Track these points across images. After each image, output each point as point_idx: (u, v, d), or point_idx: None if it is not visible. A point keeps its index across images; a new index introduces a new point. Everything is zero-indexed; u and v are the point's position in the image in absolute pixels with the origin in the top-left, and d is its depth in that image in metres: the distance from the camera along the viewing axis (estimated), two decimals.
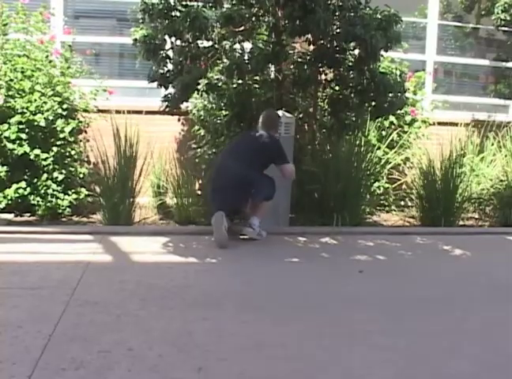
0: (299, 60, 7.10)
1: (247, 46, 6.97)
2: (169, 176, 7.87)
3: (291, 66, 7.17)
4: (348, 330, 4.11)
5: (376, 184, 8.22)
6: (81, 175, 7.62)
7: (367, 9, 6.90)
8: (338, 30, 6.85)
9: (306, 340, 3.89)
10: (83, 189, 7.50)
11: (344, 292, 4.92)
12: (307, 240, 6.62)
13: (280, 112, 6.77)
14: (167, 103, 7.34)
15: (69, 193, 7.38)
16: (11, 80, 7.29)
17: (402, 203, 8.69)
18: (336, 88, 7.33)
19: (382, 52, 6.91)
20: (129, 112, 7.90)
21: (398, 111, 8.05)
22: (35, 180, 7.27)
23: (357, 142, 7.60)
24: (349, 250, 6.33)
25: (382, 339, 3.96)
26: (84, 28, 9.03)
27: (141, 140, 7.25)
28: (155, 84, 7.28)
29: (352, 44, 6.94)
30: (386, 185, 8.49)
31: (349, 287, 5.05)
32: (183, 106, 7.68)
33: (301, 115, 7.38)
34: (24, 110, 7.17)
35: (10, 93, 7.25)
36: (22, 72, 7.36)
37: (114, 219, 6.99)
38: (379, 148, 8.41)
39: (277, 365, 3.53)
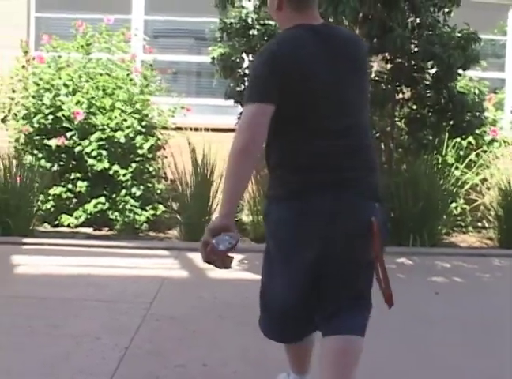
0: (377, 78, 7.07)
1: None
2: (245, 193, 7.90)
3: None
4: (422, 350, 4.06)
5: (453, 204, 8.08)
6: (159, 191, 7.75)
7: (446, 27, 6.84)
8: (416, 48, 6.81)
9: (378, 357, 3.84)
10: (160, 205, 7.61)
11: (420, 313, 4.85)
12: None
13: None
14: None
15: (147, 208, 7.49)
16: (92, 97, 7.47)
17: (479, 224, 8.53)
18: (414, 107, 7.27)
19: (460, 71, 6.83)
20: (206, 130, 7.99)
21: (477, 131, 7.92)
22: (114, 195, 7.42)
23: (434, 162, 7.51)
24: (425, 271, 6.25)
25: (456, 361, 3.89)
26: (163, 47, 9.19)
27: (218, 157, 7.32)
28: (231, 102, 7.34)
29: (430, 63, 6.89)
30: (464, 206, 8.34)
31: (425, 308, 4.98)
32: None
33: (378, 134, 7.33)
34: (105, 127, 7.34)
35: (91, 110, 7.43)
36: (103, 90, 7.54)
37: (190, 235, 7.05)
38: (457, 167, 8.28)
39: None
